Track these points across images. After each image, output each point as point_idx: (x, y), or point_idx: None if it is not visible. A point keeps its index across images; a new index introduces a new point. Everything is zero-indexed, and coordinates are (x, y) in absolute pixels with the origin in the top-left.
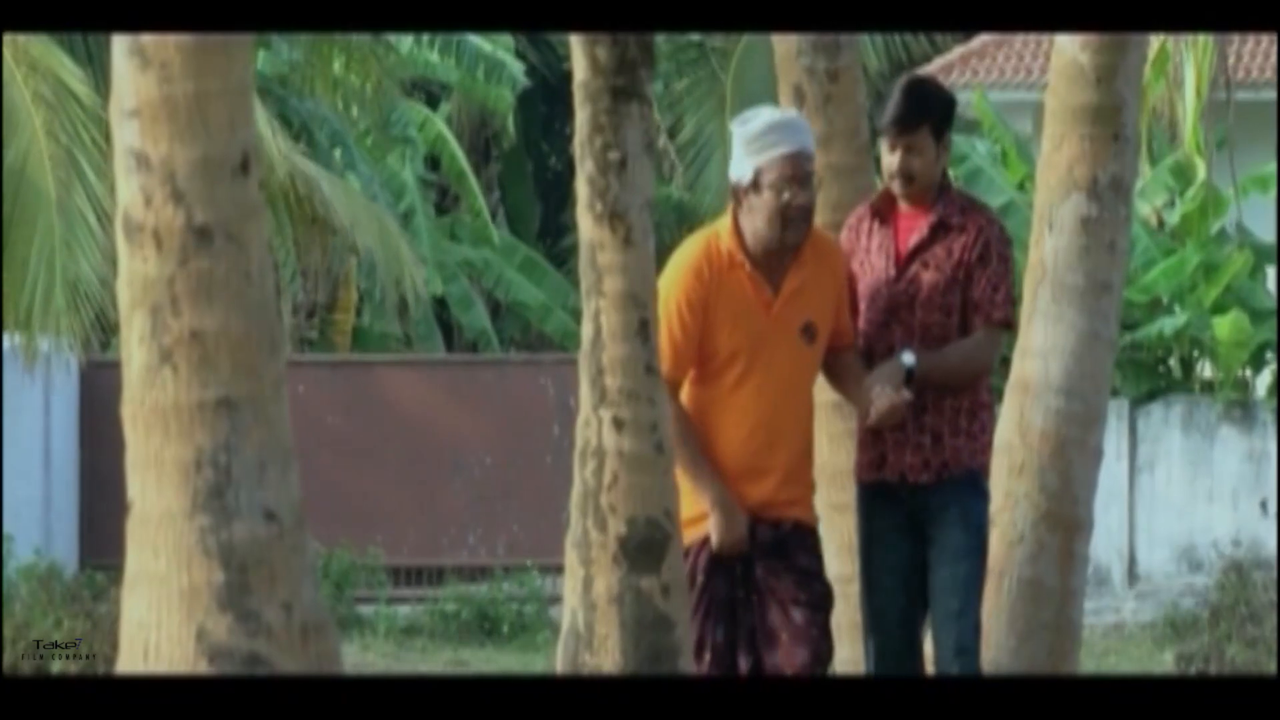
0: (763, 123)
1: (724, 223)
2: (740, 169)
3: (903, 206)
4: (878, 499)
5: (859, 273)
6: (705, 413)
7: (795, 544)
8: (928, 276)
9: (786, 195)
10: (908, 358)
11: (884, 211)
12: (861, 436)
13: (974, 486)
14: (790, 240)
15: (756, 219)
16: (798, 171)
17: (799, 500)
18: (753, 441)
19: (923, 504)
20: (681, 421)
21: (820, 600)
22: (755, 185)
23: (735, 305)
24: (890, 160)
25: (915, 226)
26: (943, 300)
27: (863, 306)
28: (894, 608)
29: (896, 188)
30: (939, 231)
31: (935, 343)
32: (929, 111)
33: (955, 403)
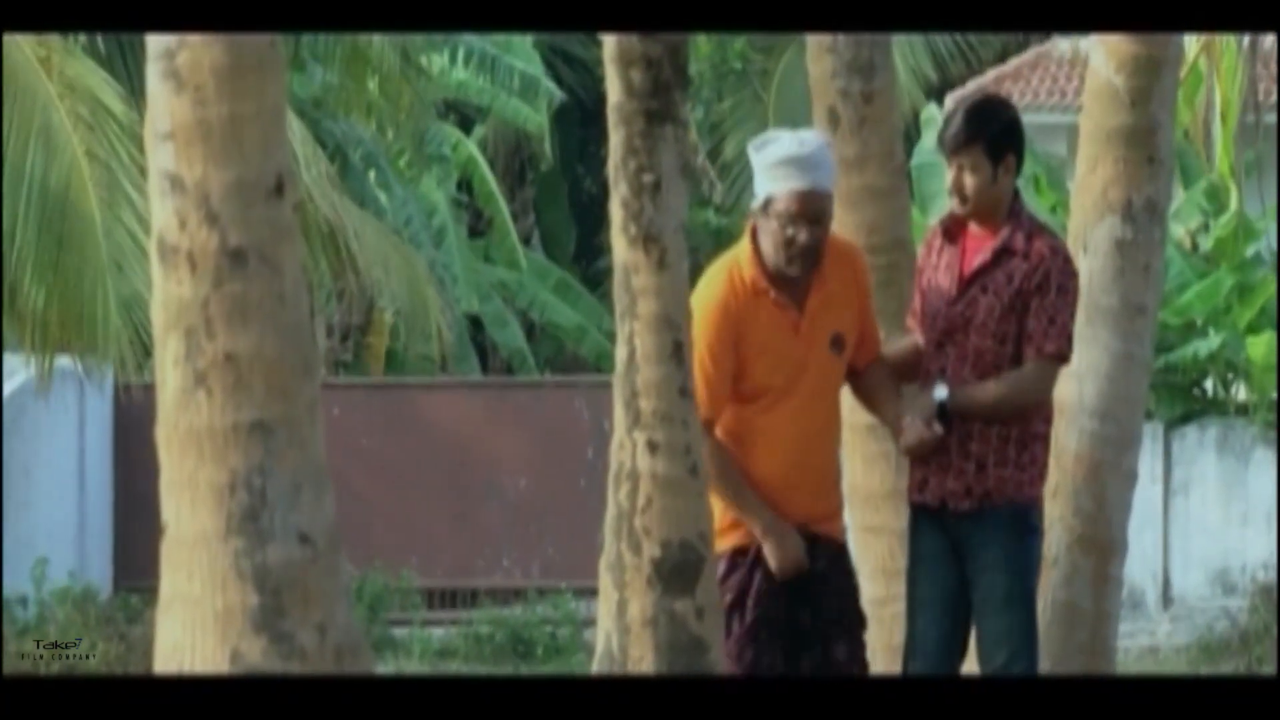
0: (778, 154)
1: (743, 248)
2: (757, 189)
3: (972, 227)
4: (923, 521)
5: (924, 290)
6: (738, 435)
7: (833, 566)
8: (985, 301)
9: (791, 231)
10: (939, 392)
11: (953, 231)
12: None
13: (1020, 523)
14: (793, 273)
15: (767, 243)
16: (806, 209)
17: (833, 514)
18: (787, 459)
19: (964, 535)
20: (719, 454)
21: (858, 630)
22: (765, 210)
23: (764, 335)
24: (948, 178)
25: (980, 249)
26: (997, 327)
27: (923, 327)
28: (936, 633)
29: (953, 206)
30: (1002, 256)
31: (987, 369)
32: (981, 130)
33: (1004, 431)
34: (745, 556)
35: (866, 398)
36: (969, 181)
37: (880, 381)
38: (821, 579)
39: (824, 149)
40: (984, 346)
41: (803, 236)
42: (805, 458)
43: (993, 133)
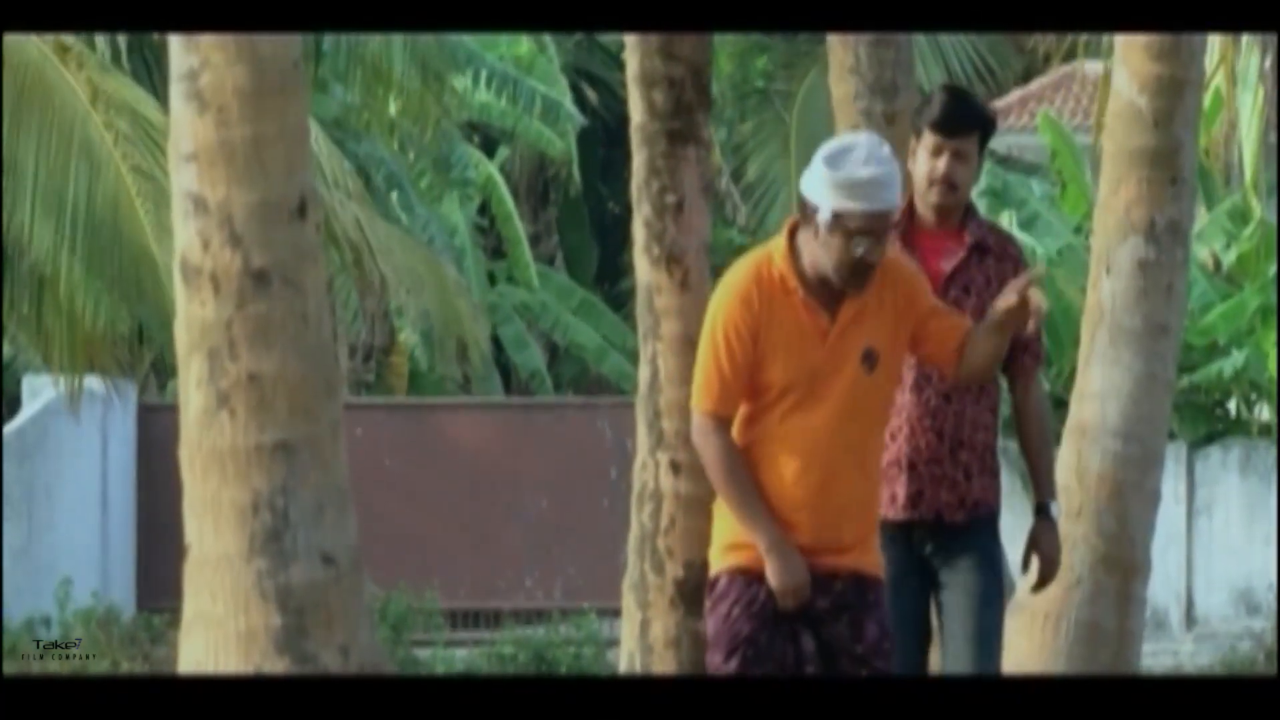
0: (858, 175)
1: (778, 244)
2: (819, 198)
3: (924, 224)
4: (896, 542)
5: None
6: (753, 448)
7: (859, 605)
8: (969, 304)
9: (861, 250)
10: (1055, 509)
11: (907, 230)
12: (888, 470)
13: (994, 527)
14: (853, 288)
15: (823, 255)
16: (878, 227)
17: (858, 544)
18: (805, 478)
19: (942, 546)
20: (730, 456)
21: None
22: (832, 226)
23: (787, 335)
24: (934, 165)
25: (945, 249)
26: None
27: None
28: (908, 652)
29: (934, 197)
30: (976, 255)
31: None
32: (979, 120)
33: (985, 438)
34: (748, 576)
35: (970, 362)
36: (963, 171)
37: (965, 355)
38: (832, 615)
39: (896, 164)
40: None
41: (872, 254)
42: (826, 480)
43: (987, 122)
